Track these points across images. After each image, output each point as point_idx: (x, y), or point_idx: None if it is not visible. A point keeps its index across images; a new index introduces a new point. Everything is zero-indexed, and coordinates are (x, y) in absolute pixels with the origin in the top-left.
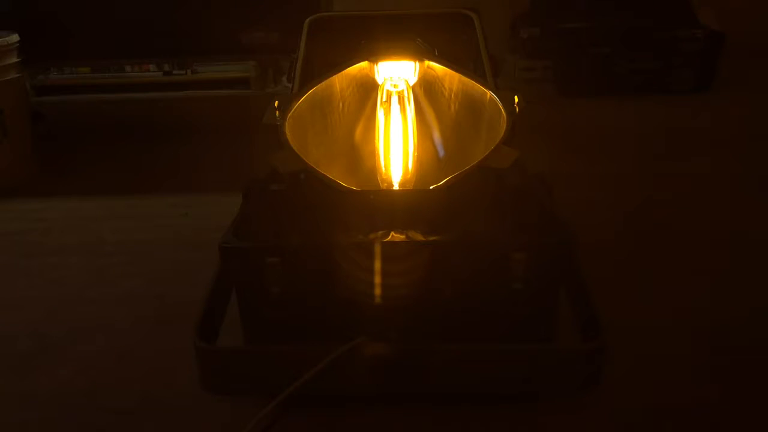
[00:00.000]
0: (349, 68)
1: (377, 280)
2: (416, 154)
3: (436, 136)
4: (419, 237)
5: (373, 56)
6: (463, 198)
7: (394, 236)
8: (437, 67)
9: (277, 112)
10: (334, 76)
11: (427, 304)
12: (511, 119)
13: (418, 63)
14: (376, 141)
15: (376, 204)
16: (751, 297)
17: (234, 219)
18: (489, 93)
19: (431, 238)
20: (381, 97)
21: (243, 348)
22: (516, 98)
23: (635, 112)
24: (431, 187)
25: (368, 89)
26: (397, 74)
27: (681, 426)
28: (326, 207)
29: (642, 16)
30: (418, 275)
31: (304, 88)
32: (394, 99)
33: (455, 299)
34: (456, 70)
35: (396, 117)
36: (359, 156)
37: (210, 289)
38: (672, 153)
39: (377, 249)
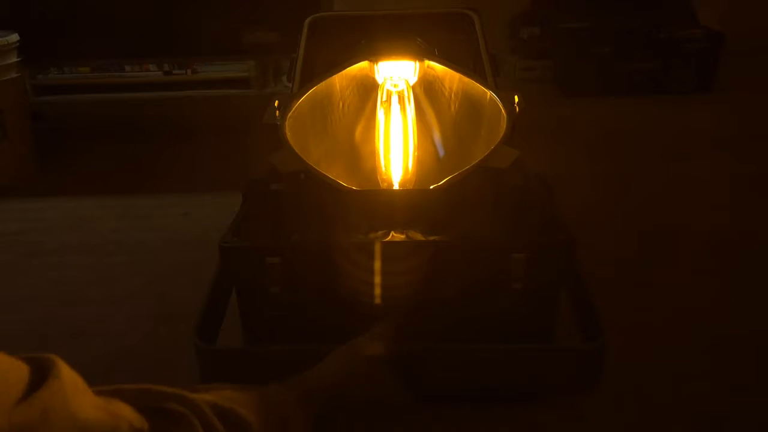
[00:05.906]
0: (349, 68)
1: (377, 280)
2: (416, 154)
3: (436, 136)
4: (419, 237)
5: (373, 56)
6: (463, 198)
7: (394, 236)
8: (437, 67)
9: (277, 112)
10: (334, 76)
11: (426, 304)
12: (511, 119)
13: (418, 63)
14: (376, 141)
15: (376, 204)
16: (753, 297)
17: (234, 219)
18: (489, 93)
19: (431, 238)
20: (381, 96)
21: (243, 348)
22: (516, 98)
23: (635, 112)
24: (431, 187)
25: (368, 89)
26: (397, 74)
27: (682, 427)
28: (326, 207)
29: (642, 16)
30: (418, 275)
31: (304, 88)
32: (394, 99)
33: (455, 299)
34: (456, 70)
35: (396, 117)
36: (359, 156)
37: (210, 289)
38: (672, 153)
39: (377, 249)
